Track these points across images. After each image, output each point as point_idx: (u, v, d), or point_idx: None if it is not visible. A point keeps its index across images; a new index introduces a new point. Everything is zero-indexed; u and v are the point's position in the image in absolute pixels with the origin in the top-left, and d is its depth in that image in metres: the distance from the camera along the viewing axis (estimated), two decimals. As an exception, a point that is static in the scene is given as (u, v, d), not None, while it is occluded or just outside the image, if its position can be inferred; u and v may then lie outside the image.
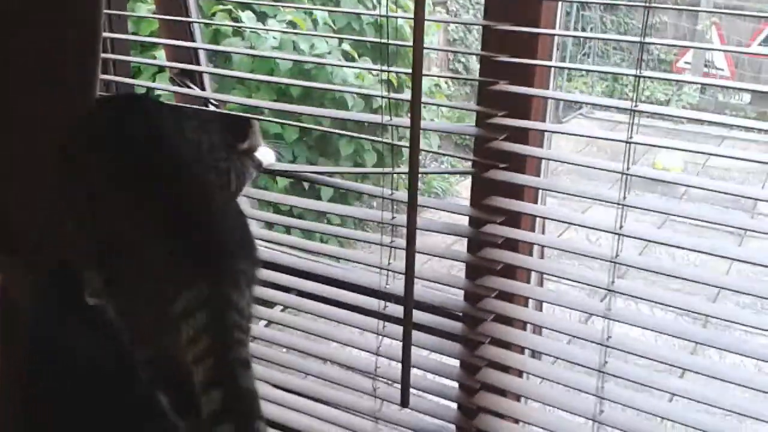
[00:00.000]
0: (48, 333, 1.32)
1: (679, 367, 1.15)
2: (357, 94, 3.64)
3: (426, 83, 4.36)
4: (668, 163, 5.50)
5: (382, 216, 1.30)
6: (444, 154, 5.73)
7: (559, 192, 1.20)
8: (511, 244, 1.22)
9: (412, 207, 1.10)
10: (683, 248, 1.11)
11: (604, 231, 1.14)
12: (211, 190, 1.13)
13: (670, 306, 1.11)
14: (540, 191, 1.27)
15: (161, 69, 3.30)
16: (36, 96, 1.26)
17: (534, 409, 1.30)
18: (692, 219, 1.09)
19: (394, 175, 1.31)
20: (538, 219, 1.28)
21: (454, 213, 1.35)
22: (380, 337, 1.35)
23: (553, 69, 1.27)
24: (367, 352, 1.37)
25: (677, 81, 7.37)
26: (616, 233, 1.11)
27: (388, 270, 1.32)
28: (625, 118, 1.08)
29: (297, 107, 1.43)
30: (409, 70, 1.07)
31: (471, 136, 1.26)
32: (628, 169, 1.09)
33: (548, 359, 1.30)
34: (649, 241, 1.20)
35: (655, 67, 7.59)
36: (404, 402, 1.23)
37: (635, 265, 1.13)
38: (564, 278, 1.17)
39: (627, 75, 1.10)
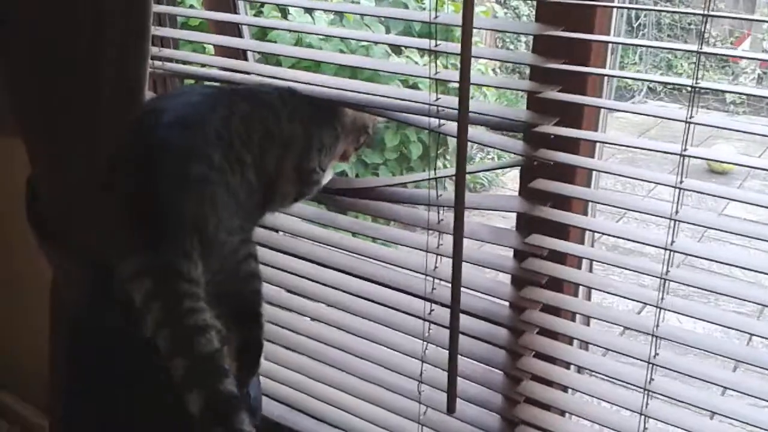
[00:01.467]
0: (91, 325, 1.33)
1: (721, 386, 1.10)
2: (400, 84, 3.62)
3: (472, 74, 4.28)
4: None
5: (428, 221, 1.28)
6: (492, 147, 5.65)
7: (609, 205, 1.16)
8: (559, 257, 1.19)
9: (459, 218, 1.07)
10: (736, 233, 1.05)
11: (656, 247, 1.09)
12: (188, 167, 1.09)
13: (720, 293, 1.06)
14: (589, 204, 1.24)
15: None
16: (86, 93, 1.25)
17: (578, 424, 1.27)
18: (748, 215, 1.03)
19: (441, 173, 1.28)
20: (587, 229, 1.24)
21: (505, 210, 1.31)
22: (425, 343, 1.34)
23: (608, 67, 1.23)
24: (412, 357, 1.36)
25: (740, 57, 7.09)
26: (667, 248, 1.07)
27: (433, 276, 1.30)
28: (677, 107, 1.03)
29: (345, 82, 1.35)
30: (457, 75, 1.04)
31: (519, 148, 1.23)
32: (686, 150, 1.03)
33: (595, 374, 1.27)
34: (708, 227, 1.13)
35: (710, 57, 7.38)
36: (451, 408, 1.21)
37: (687, 283, 1.09)
38: (613, 293, 1.13)
39: (688, 51, 1.02)
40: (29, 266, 1.43)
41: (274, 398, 1.57)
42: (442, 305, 1.30)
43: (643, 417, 1.13)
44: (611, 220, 4.14)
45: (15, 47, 1.15)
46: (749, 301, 1.05)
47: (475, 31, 1.00)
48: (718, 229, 1.08)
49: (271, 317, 1.56)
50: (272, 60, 3.58)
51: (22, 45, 1.16)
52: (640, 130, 6.25)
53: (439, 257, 1.30)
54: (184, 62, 1.69)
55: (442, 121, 1.23)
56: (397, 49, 3.91)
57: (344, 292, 1.44)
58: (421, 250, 1.30)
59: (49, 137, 1.22)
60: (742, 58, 7.24)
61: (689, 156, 1.03)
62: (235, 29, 1.80)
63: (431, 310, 1.32)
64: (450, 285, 1.11)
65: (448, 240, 1.26)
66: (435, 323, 1.32)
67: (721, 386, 1.10)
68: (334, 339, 1.49)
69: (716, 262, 1.06)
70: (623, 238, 1.12)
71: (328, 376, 1.51)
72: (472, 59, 1.04)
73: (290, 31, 3.68)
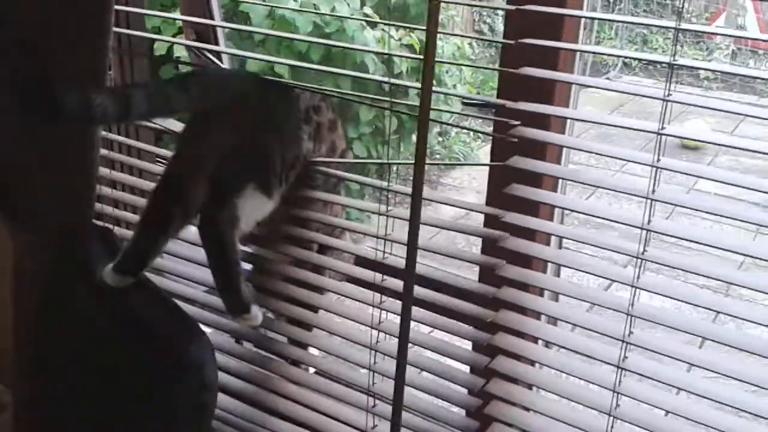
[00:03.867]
0: (55, 300, 1.32)
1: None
2: (375, 57, 3.58)
3: (449, 48, 4.27)
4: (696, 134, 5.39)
5: (379, 207, 1.27)
6: (460, 126, 5.64)
7: (579, 182, 1.15)
8: (528, 234, 1.18)
9: (417, 200, 1.06)
10: (711, 213, 1.06)
11: (633, 226, 1.09)
12: None
13: (695, 273, 1.06)
14: (560, 180, 1.23)
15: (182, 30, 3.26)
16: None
17: (547, 399, 1.27)
18: (718, 190, 1.02)
19: (398, 157, 1.29)
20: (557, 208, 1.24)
21: (463, 209, 1.29)
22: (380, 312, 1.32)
23: (580, 43, 1.22)
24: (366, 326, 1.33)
25: (717, 34, 7.17)
26: (644, 228, 1.07)
27: (383, 263, 1.30)
28: (651, 82, 1.02)
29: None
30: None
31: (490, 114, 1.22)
32: (663, 128, 1.02)
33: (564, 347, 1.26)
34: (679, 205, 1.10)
35: (686, 32, 7.41)
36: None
37: (664, 263, 1.08)
38: (583, 270, 1.13)
39: (666, 27, 1.00)
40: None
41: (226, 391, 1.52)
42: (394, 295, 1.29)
43: (616, 394, 1.13)
44: (581, 196, 4.17)
45: None
46: (724, 281, 1.06)
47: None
48: (695, 209, 1.08)
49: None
50: (244, 34, 3.52)
51: None
52: (614, 105, 6.26)
53: (390, 244, 1.29)
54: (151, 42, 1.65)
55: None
56: (372, 23, 3.87)
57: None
58: (371, 236, 1.30)
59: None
60: (719, 35, 7.28)
61: (666, 134, 1.02)
62: (204, 4, 1.77)
63: (381, 300, 1.31)
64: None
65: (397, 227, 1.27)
66: (389, 310, 1.31)
67: (690, 364, 1.10)
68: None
69: (693, 242, 1.06)
70: (599, 217, 1.11)
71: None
72: (447, 36, 1.02)
73: (263, 4, 3.62)
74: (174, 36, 3.39)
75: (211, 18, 1.90)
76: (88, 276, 1.28)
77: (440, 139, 5.67)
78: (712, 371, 1.06)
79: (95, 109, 1.11)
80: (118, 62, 1.91)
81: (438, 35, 1.01)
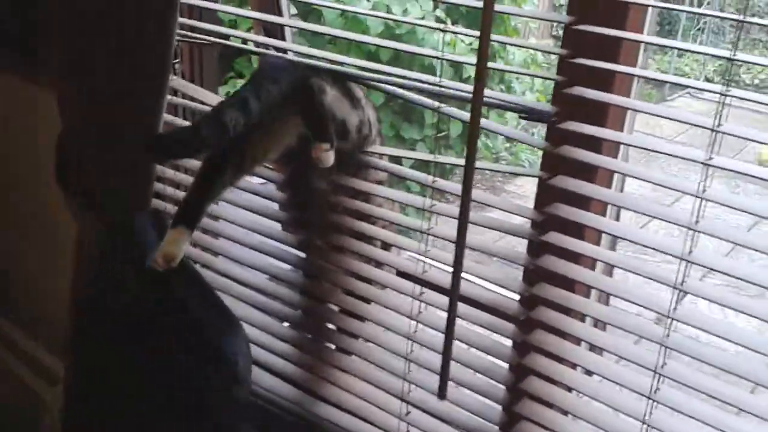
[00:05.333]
0: (105, 282, 1.37)
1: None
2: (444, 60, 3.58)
3: (521, 55, 4.23)
4: (773, 156, 5.17)
5: (424, 203, 1.29)
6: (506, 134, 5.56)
7: (628, 208, 1.12)
8: (573, 255, 1.17)
9: (466, 199, 1.07)
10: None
11: (673, 256, 1.06)
12: None
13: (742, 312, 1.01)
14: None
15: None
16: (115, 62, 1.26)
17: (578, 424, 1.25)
18: None
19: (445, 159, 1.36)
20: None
21: (512, 213, 1.27)
22: (417, 323, 1.33)
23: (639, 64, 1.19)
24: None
25: None
26: (684, 258, 1.04)
27: (426, 256, 1.31)
28: (735, 101, 0.99)
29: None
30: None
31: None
32: (710, 159, 1.00)
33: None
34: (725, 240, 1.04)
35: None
36: (441, 395, 1.22)
37: (702, 295, 1.05)
38: (626, 299, 1.11)
39: (720, 57, 0.98)
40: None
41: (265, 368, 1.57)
42: (435, 288, 1.31)
43: (646, 426, 1.11)
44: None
45: None
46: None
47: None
48: (741, 245, 1.04)
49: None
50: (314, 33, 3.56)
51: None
52: (686, 127, 6.06)
53: (429, 238, 1.31)
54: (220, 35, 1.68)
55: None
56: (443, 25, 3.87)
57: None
58: (414, 230, 1.32)
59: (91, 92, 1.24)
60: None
61: (713, 165, 1.00)
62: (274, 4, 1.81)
63: (422, 292, 1.32)
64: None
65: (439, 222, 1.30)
66: (427, 303, 1.32)
67: (729, 404, 1.06)
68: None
69: (734, 277, 1.02)
70: (640, 244, 1.09)
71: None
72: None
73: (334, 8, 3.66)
74: (248, 30, 3.46)
75: (280, 15, 1.93)
76: (139, 261, 1.32)
77: (507, 145, 5.63)
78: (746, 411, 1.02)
79: (229, 125, 1.17)
80: (189, 53, 1.95)
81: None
